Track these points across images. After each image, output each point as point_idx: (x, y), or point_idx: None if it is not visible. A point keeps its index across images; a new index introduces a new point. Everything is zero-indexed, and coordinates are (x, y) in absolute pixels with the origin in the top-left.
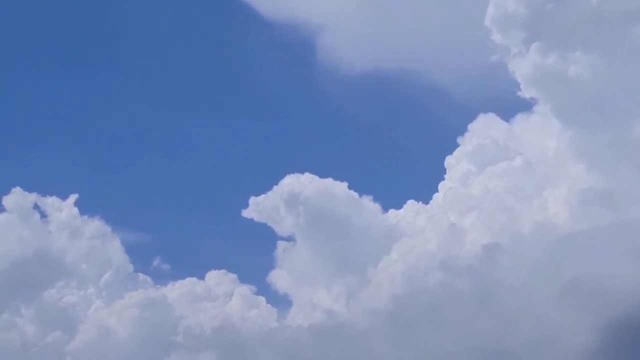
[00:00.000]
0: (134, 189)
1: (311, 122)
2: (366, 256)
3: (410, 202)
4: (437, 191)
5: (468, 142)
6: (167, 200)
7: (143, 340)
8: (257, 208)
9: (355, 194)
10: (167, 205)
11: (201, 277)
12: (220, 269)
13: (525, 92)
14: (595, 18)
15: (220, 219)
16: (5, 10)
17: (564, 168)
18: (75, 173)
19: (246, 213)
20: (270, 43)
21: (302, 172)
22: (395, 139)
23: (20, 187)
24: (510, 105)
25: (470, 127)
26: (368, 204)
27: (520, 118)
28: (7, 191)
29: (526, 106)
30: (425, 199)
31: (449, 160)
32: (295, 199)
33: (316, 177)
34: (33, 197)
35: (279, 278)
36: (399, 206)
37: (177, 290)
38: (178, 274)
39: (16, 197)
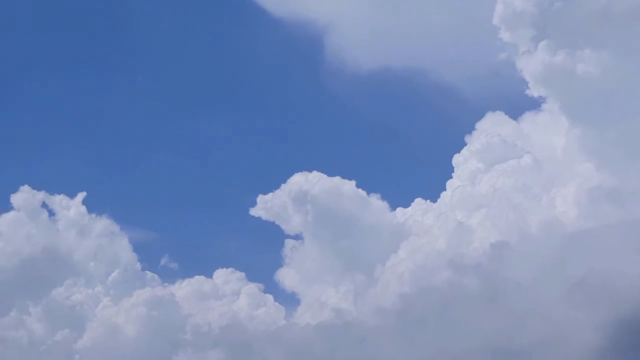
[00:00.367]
0: (141, 187)
1: (319, 120)
2: (374, 254)
3: (418, 200)
4: (445, 189)
5: (476, 141)
6: (175, 199)
7: (151, 338)
8: (265, 206)
9: (363, 192)
10: (175, 203)
11: (209, 275)
12: (228, 267)
13: (534, 90)
14: (603, 16)
15: (228, 218)
16: (15, 11)
17: (572, 166)
18: (83, 171)
19: (254, 211)
20: (279, 42)
21: (310, 170)
22: (403, 137)
23: (29, 186)
24: (518, 104)
25: (478, 125)
26: (376, 202)
27: (528, 116)
28: (15, 189)
29: (534, 104)
30: (433, 197)
31: (456, 159)
32: (303, 197)
33: (324, 176)
34: (41, 195)
35: (286, 276)
36: (406, 204)
37: (185, 288)
38: (186, 272)
39: (24, 196)
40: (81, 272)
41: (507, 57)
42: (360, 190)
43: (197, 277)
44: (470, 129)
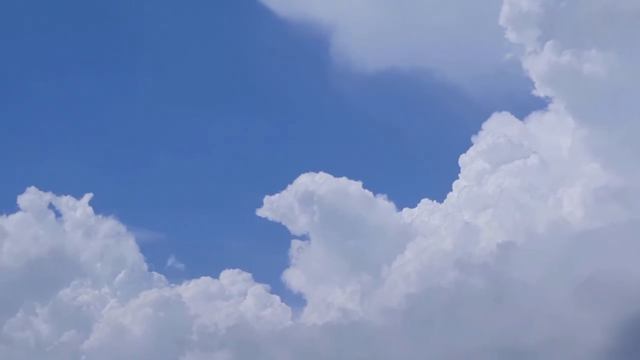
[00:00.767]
0: (148, 188)
1: (325, 121)
2: (380, 255)
3: (425, 200)
4: (452, 190)
5: (482, 141)
6: (181, 200)
7: (157, 339)
8: (272, 207)
9: (370, 193)
10: (181, 204)
11: (216, 276)
12: (234, 268)
13: (540, 91)
14: (609, 16)
15: (234, 218)
16: (21, 11)
17: (578, 166)
18: (89, 172)
19: (260, 212)
20: (284, 42)
21: (316, 171)
22: (409, 138)
23: (35, 187)
24: (524, 104)
25: (484, 125)
26: (382, 202)
27: (534, 116)
28: (22, 190)
29: (541, 104)
30: (440, 197)
31: (463, 159)
32: (309, 197)
33: (330, 176)
34: (48, 196)
35: (293, 277)
36: (413, 205)
37: (192, 289)
38: (192, 273)
39: (31, 197)
40: (88, 273)
41: (513, 57)
42: (366, 190)
43: (203, 277)
44: (477, 129)
